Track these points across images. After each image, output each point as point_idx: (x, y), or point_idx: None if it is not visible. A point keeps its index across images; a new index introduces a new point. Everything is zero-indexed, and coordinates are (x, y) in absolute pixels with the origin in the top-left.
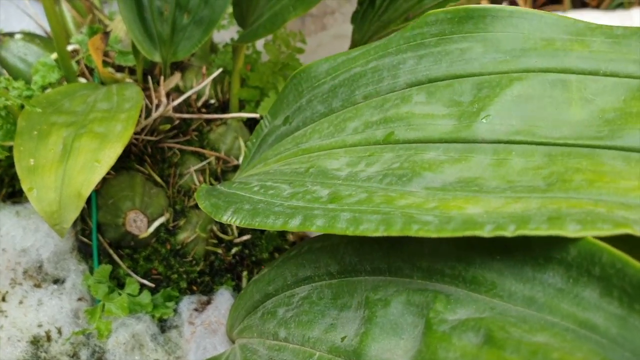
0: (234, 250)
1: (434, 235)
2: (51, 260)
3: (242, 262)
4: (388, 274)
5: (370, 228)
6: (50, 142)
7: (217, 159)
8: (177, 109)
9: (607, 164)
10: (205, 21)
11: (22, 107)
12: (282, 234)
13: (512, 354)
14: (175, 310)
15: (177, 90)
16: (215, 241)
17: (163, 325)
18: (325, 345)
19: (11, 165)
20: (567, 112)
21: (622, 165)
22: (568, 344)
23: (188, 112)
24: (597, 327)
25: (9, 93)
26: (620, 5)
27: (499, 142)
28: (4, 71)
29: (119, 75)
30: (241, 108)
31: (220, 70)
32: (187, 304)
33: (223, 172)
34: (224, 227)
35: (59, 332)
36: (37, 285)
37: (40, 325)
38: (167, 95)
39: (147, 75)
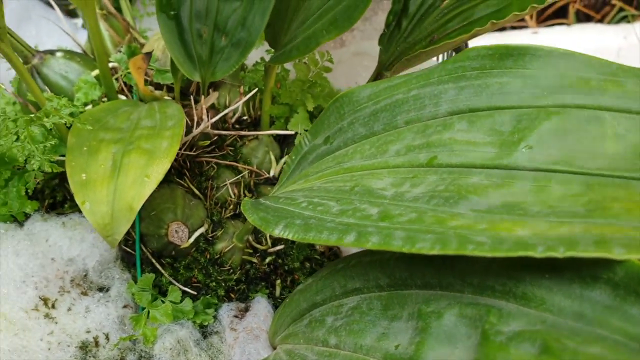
0: (268, 259)
1: (489, 254)
2: (96, 269)
3: (275, 271)
4: (439, 288)
5: (426, 247)
6: (100, 157)
7: (250, 172)
8: (213, 126)
9: None
10: (242, 43)
11: (65, 123)
12: (311, 245)
13: None
14: (215, 317)
15: (212, 108)
16: (250, 251)
17: (204, 332)
18: (379, 353)
19: (52, 177)
20: (602, 145)
21: None
22: (623, 356)
23: (223, 129)
24: None
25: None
26: (624, 19)
27: (539, 170)
28: (46, 87)
29: (157, 93)
30: (271, 124)
31: (256, 89)
32: (227, 310)
33: (255, 185)
34: (258, 238)
35: (107, 337)
36: (84, 293)
37: (88, 331)
38: (206, 112)
39: (182, 92)
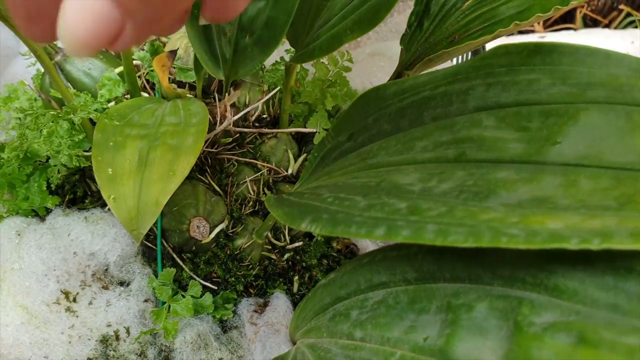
0: (286, 256)
1: (523, 246)
2: (117, 263)
3: (293, 267)
4: (468, 281)
5: (459, 239)
6: (127, 152)
7: (269, 170)
8: (234, 123)
9: None
10: (266, 42)
11: (90, 119)
12: (328, 243)
13: (609, 353)
14: (234, 312)
15: (233, 106)
16: (269, 247)
17: (224, 326)
18: (407, 345)
19: (73, 173)
20: (631, 140)
21: None
22: None
23: (244, 126)
24: None
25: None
26: (631, 24)
27: (568, 165)
28: (69, 84)
29: (180, 90)
30: (289, 123)
31: (278, 88)
32: (246, 305)
33: (274, 182)
34: (277, 234)
35: (127, 331)
36: (105, 287)
37: (109, 325)
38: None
39: (203, 90)
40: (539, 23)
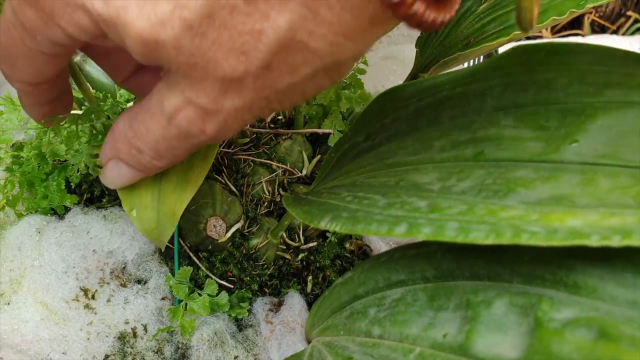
0: (300, 256)
1: (544, 243)
2: (135, 261)
3: (307, 267)
4: (487, 279)
5: (480, 236)
6: None
7: (284, 170)
8: (251, 124)
9: None
10: None
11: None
12: (341, 243)
13: (629, 348)
14: (249, 311)
15: None
16: (284, 247)
17: (239, 324)
18: (427, 342)
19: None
20: None
21: None
22: None
23: (260, 127)
24: None
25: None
26: (639, 31)
27: (585, 163)
28: (88, 84)
29: None
30: (304, 124)
31: None
32: (261, 304)
33: (289, 183)
34: (291, 235)
35: (145, 329)
36: (123, 285)
37: (127, 322)
38: None
39: None
40: (547, 29)
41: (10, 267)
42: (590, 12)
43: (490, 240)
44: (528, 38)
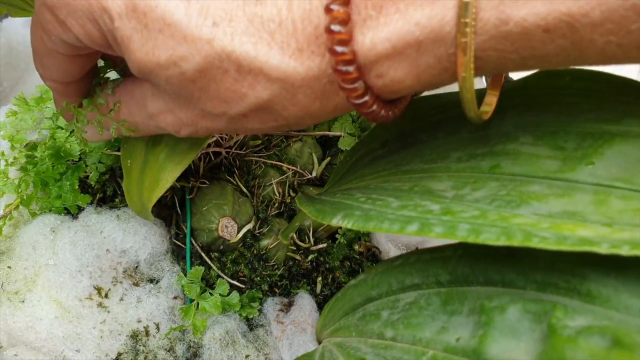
0: (310, 257)
1: (554, 247)
2: (148, 261)
3: (317, 268)
4: (501, 285)
5: (491, 238)
6: (138, 146)
7: (294, 172)
8: None
9: None
10: None
11: None
12: (350, 245)
13: None
14: (260, 311)
15: None
16: (294, 248)
17: (250, 324)
18: (440, 345)
19: (103, 172)
20: None
21: None
22: None
23: None
24: None
25: None
26: None
27: (600, 185)
28: None
29: None
30: (315, 126)
31: None
32: (272, 304)
33: (298, 185)
34: (301, 236)
35: (157, 327)
36: (136, 284)
37: (139, 321)
38: None
39: None
40: None
41: (25, 266)
42: None
43: (501, 242)
44: None
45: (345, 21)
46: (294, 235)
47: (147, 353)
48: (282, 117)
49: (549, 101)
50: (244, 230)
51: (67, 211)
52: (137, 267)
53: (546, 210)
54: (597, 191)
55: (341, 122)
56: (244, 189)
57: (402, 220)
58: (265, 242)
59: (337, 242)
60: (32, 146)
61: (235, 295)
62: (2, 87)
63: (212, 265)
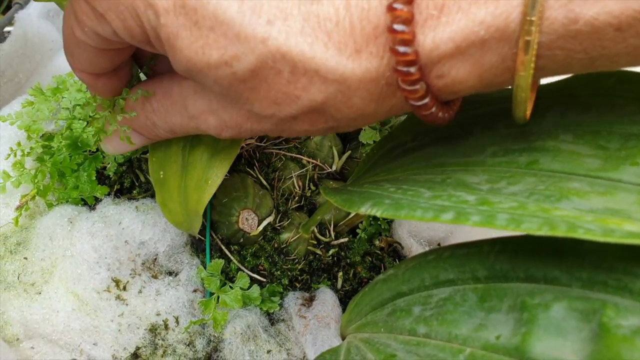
0: (331, 251)
1: (601, 239)
2: (166, 253)
3: (338, 263)
4: (543, 282)
5: (533, 227)
6: (172, 153)
7: (314, 165)
8: None
9: None
10: None
11: None
12: (371, 240)
13: None
14: (280, 305)
15: None
16: (314, 242)
17: (271, 319)
18: (478, 342)
19: (121, 163)
20: None
21: None
22: None
23: None
24: None
25: None
26: None
27: None
28: None
29: None
30: None
31: None
32: (293, 299)
33: (318, 178)
34: (322, 230)
35: (176, 321)
36: (155, 277)
37: (158, 314)
38: None
39: None
40: None
41: (42, 257)
42: None
43: (544, 232)
44: None
45: (409, 20)
46: (315, 229)
47: (166, 347)
48: (333, 119)
49: (592, 102)
50: (265, 223)
51: (84, 202)
52: (155, 259)
53: (588, 206)
54: None
55: None
56: (264, 182)
57: (436, 209)
58: (285, 236)
59: (357, 236)
60: (48, 137)
61: (255, 289)
62: (17, 78)
63: (232, 258)
